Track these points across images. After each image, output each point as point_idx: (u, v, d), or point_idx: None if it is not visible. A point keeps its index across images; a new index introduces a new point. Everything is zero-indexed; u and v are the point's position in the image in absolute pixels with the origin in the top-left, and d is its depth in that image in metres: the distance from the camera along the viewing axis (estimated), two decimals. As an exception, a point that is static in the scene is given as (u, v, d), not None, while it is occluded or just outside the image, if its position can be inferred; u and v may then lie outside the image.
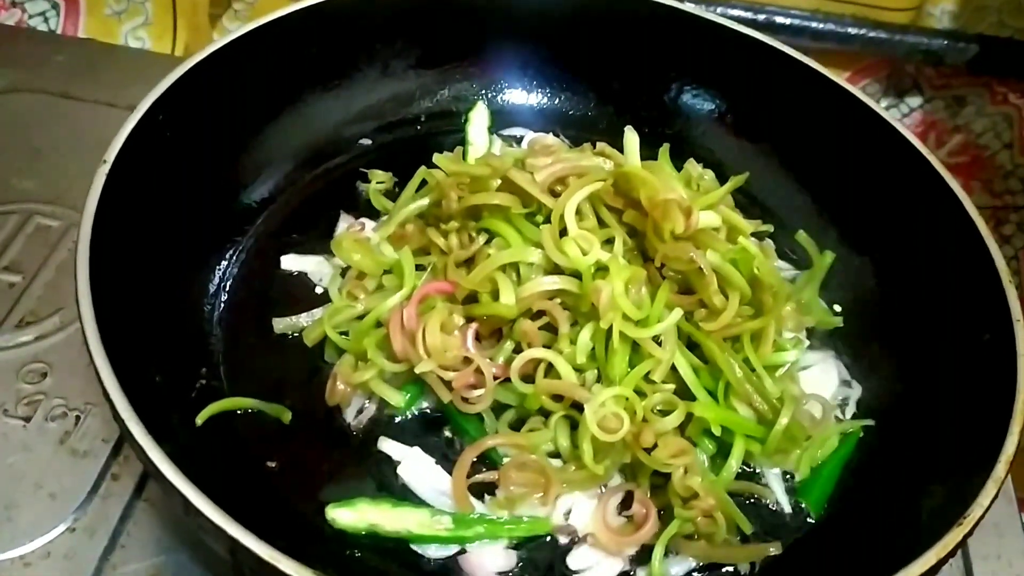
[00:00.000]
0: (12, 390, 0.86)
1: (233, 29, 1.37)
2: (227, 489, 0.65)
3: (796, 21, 1.22)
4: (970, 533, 0.62)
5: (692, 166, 0.92)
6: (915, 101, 1.34)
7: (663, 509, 0.74)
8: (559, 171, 0.82)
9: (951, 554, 0.61)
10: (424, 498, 0.74)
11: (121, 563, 0.76)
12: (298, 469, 0.76)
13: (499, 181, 0.83)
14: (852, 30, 1.22)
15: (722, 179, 0.90)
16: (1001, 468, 0.64)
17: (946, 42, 1.22)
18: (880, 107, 0.92)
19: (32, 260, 0.97)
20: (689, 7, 1.02)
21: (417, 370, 0.75)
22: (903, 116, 1.35)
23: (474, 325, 0.78)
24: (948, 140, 1.36)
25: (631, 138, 0.85)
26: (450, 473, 0.74)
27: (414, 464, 0.75)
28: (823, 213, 0.95)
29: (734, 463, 0.75)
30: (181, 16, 1.37)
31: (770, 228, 0.92)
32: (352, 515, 0.71)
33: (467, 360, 0.76)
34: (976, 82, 1.29)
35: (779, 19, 1.22)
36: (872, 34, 1.22)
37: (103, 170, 0.75)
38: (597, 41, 1.04)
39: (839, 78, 0.95)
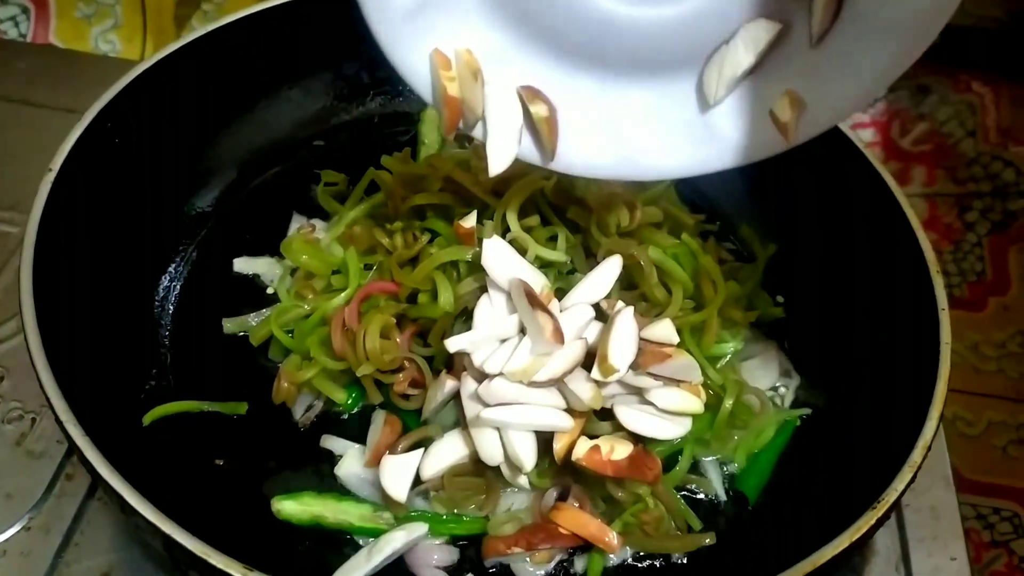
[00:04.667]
0: (-31, 394, 0.88)
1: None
2: (174, 488, 0.68)
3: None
4: (886, 516, 0.64)
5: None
6: (879, 91, 1.36)
7: (607, 498, 0.76)
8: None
9: (867, 536, 0.63)
10: (362, 495, 0.76)
11: (75, 560, 0.78)
12: (246, 467, 0.78)
13: (442, 181, 0.84)
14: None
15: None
16: (917, 453, 0.66)
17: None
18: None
19: (-11, 266, 0.99)
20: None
21: (358, 374, 0.77)
22: (868, 106, 1.36)
23: (416, 325, 0.80)
24: (912, 128, 1.37)
25: None
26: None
27: (351, 463, 0.77)
28: (765, 206, 0.96)
29: (685, 464, 0.77)
30: (151, 19, 1.39)
31: (714, 227, 0.94)
32: (296, 506, 0.74)
33: (409, 359, 0.78)
34: (940, 71, 1.31)
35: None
36: (832, 24, 1.23)
37: (48, 178, 0.77)
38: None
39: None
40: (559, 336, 0.69)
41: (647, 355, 0.71)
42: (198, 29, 0.94)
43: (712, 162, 0.67)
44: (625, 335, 0.70)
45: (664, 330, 0.73)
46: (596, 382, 0.71)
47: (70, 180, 0.78)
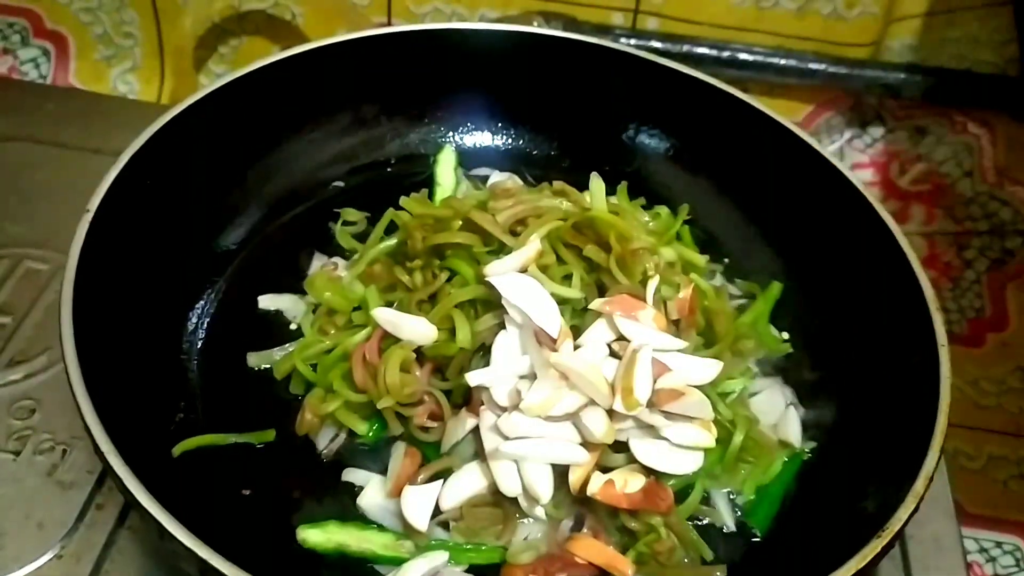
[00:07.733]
0: (2, 425, 0.91)
1: (219, 72, 1.43)
2: (203, 516, 0.70)
3: (760, 57, 1.26)
4: (891, 544, 0.66)
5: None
6: (878, 132, 1.38)
7: (621, 528, 0.78)
8: (519, 212, 0.87)
9: (873, 562, 0.65)
10: (385, 525, 0.78)
11: (105, 588, 0.81)
12: (271, 497, 0.80)
13: (461, 222, 0.88)
14: (813, 65, 1.26)
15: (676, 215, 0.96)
16: (920, 484, 0.69)
17: (903, 75, 1.26)
18: (821, 145, 0.97)
19: (22, 302, 1.01)
20: (644, 53, 1.07)
21: (379, 406, 0.80)
22: (866, 146, 1.39)
23: (435, 360, 0.83)
24: (911, 169, 1.40)
25: (597, 184, 0.89)
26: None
27: (373, 493, 0.79)
28: (770, 245, 1.00)
29: (696, 496, 0.79)
30: (168, 61, 1.42)
31: (721, 267, 0.98)
32: (321, 535, 0.76)
33: (428, 393, 0.81)
34: (937, 112, 1.33)
35: (743, 56, 1.26)
36: (832, 69, 1.26)
37: (86, 218, 0.80)
38: (558, 86, 1.09)
39: (782, 118, 1.00)
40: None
41: (662, 392, 0.74)
42: (225, 76, 0.98)
43: None
44: (646, 371, 0.73)
45: (678, 367, 0.76)
46: (615, 415, 0.74)
47: (106, 220, 0.81)
